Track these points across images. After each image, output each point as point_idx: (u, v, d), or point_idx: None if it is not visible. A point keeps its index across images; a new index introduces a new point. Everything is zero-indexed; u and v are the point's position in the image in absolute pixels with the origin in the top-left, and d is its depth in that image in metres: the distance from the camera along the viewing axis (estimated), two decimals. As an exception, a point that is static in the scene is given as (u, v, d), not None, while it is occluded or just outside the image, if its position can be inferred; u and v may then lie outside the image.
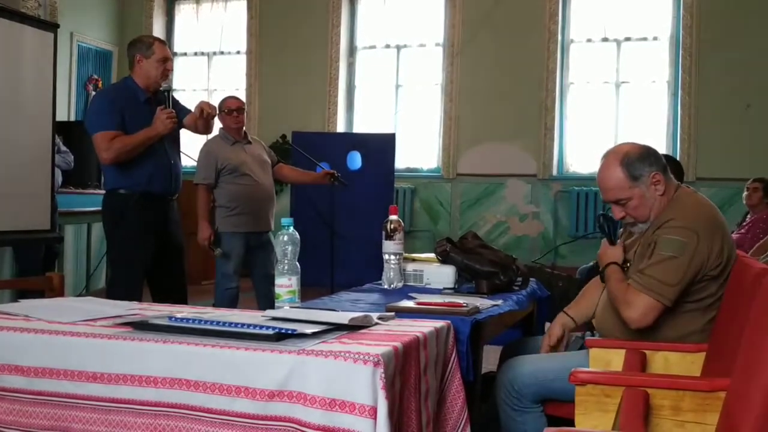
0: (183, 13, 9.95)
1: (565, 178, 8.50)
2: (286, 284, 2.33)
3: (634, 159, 2.41)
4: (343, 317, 1.95)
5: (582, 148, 8.53)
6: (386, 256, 2.95)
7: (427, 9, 8.98)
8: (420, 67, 9.06)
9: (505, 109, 8.48)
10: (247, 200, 4.67)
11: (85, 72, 9.04)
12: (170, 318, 1.95)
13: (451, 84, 8.74)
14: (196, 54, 9.83)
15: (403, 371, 1.78)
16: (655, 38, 8.39)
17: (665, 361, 2.35)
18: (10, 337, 1.91)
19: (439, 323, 2.08)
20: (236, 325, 1.83)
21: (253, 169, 4.74)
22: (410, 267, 3.05)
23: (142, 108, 3.80)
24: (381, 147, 8.06)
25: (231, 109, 4.74)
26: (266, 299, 4.72)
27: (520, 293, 2.89)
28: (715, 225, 2.35)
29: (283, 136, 8.71)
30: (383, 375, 1.60)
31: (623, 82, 8.49)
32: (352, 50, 9.30)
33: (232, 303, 4.60)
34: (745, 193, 6.23)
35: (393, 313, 2.19)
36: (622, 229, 2.74)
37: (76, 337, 1.86)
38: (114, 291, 3.70)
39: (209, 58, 9.81)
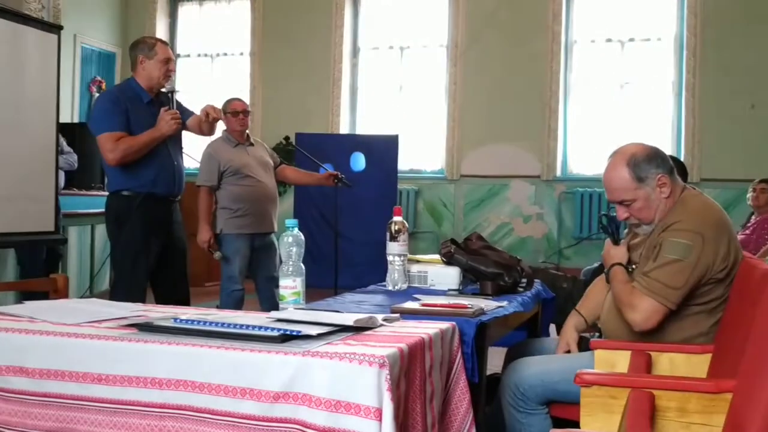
0: (186, 15, 9.97)
1: (569, 179, 8.49)
2: (290, 285, 2.33)
3: (641, 160, 2.40)
4: (347, 319, 1.95)
5: (586, 150, 8.52)
6: (390, 258, 2.94)
7: (431, 10, 8.99)
8: (423, 69, 9.06)
9: (509, 110, 8.48)
10: (251, 202, 4.67)
11: (88, 73, 9.05)
12: (175, 319, 1.94)
13: (455, 85, 8.74)
14: (199, 55, 9.84)
15: (408, 373, 1.77)
16: (658, 39, 8.38)
17: (671, 362, 2.34)
18: (16, 339, 1.91)
19: (444, 325, 2.07)
20: (241, 326, 1.83)
21: (256, 171, 4.74)
22: (414, 268, 3.04)
23: (146, 109, 3.81)
24: (384, 148, 8.06)
25: (237, 111, 4.75)
26: (269, 301, 4.72)
27: (525, 294, 2.89)
28: (721, 227, 2.35)
29: (287, 138, 8.72)
30: (388, 376, 1.60)
31: (627, 83, 8.47)
32: (355, 51, 9.30)
33: (237, 305, 4.60)
34: (751, 194, 6.21)
35: (398, 315, 2.19)
36: (627, 230, 2.74)
37: (81, 339, 1.86)
38: (117, 292, 3.71)
39: (212, 60, 9.82)
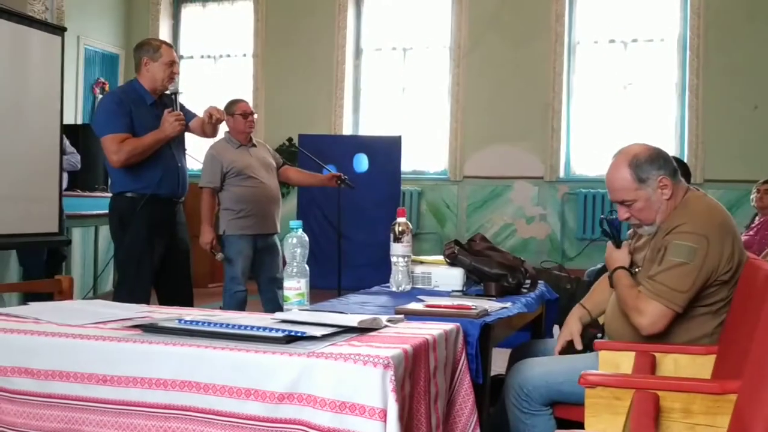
0: (189, 17, 9.98)
1: (572, 180, 8.49)
2: (294, 287, 2.33)
3: (643, 161, 2.40)
4: (352, 320, 1.95)
5: (589, 150, 8.52)
6: (394, 259, 2.94)
7: (434, 11, 8.99)
8: (426, 70, 9.07)
9: (512, 111, 8.48)
10: (253, 203, 4.68)
11: (91, 75, 9.07)
12: (179, 321, 1.95)
13: (458, 86, 8.74)
14: (202, 57, 9.85)
15: (412, 374, 1.77)
16: (662, 40, 8.37)
17: (675, 363, 2.34)
18: (21, 340, 1.92)
19: (448, 326, 2.08)
20: (246, 327, 1.83)
21: (259, 172, 4.75)
22: (418, 269, 3.04)
23: (149, 111, 3.81)
24: (387, 149, 8.07)
25: (247, 113, 4.76)
26: (272, 302, 4.73)
27: (529, 296, 2.88)
28: (725, 229, 2.34)
29: (290, 139, 8.73)
30: (393, 377, 1.60)
31: (630, 84, 8.47)
32: (358, 53, 9.31)
33: (240, 306, 4.60)
34: (755, 195, 6.20)
35: (402, 316, 2.19)
36: (630, 231, 2.73)
37: (86, 340, 1.86)
38: (121, 294, 3.71)
39: (215, 61, 9.83)
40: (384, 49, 9.25)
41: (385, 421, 1.57)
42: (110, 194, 3.91)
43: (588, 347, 2.65)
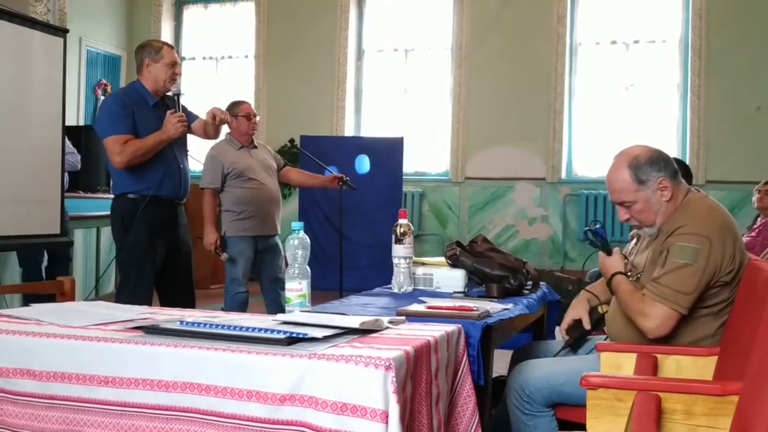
0: (191, 18, 9.99)
1: (573, 181, 8.48)
2: (296, 288, 2.33)
3: (643, 163, 2.41)
4: (353, 321, 1.95)
5: (591, 152, 8.52)
6: (396, 260, 2.94)
7: (435, 12, 8.99)
8: (428, 71, 9.07)
9: (514, 113, 8.48)
10: (254, 204, 4.68)
11: (93, 76, 9.08)
12: (181, 322, 1.95)
13: (460, 87, 8.74)
14: (204, 58, 9.86)
15: (414, 375, 1.77)
16: (663, 41, 8.37)
17: (677, 365, 2.34)
18: (23, 341, 1.92)
19: (450, 327, 2.08)
20: (247, 329, 1.83)
21: (259, 174, 4.75)
22: (420, 271, 3.04)
23: (151, 112, 3.82)
24: (389, 150, 8.07)
25: (250, 114, 4.77)
26: (274, 303, 4.73)
27: (531, 297, 2.88)
28: (726, 230, 2.34)
29: (292, 140, 8.73)
30: (394, 379, 1.60)
31: (632, 85, 8.47)
32: (360, 54, 9.31)
33: (241, 307, 4.60)
34: (756, 196, 6.20)
35: (403, 317, 2.19)
36: (632, 233, 2.73)
37: (88, 342, 1.87)
38: (123, 295, 3.72)
39: (217, 63, 9.84)
40: (386, 51, 9.25)
41: (386, 423, 1.57)
42: (112, 195, 3.92)
43: (596, 327, 2.66)
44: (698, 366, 2.31)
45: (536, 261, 7.84)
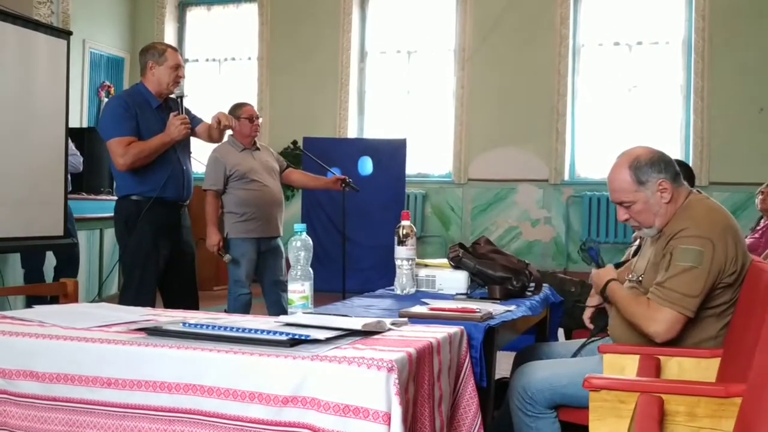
0: (194, 20, 10.00)
1: (576, 183, 8.48)
2: (299, 290, 2.33)
3: (643, 163, 2.41)
4: (356, 323, 1.95)
5: (594, 153, 8.51)
6: (399, 262, 2.95)
7: (438, 14, 8.99)
8: (431, 72, 9.07)
9: (517, 114, 8.47)
10: (256, 206, 4.68)
11: (97, 78, 9.09)
12: (184, 324, 1.95)
13: (462, 89, 8.74)
14: (207, 60, 9.87)
15: (416, 377, 1.77)
16: (667, 42, 8.36)
17: (679, 366, 2.33)
18: (25, 343, 1.92)
19: (453, 329, 2.07)
20: (250, 330, 1.83)
21: (262, 175, 4.76)
22: (423, 272, 3.04)
23: (154, 114, 3.82)
24: (392, 152, 8.07)
25: (253, 117, 4.78)
26: (276, 305, 4.74)
27: (534, 299, 2.88)
28: (728, 231, 2.34)
29: (294, 142, 8.74)
30: (397, 381, 1.60)
31: (635, 87, 8.46)
32: (363, 56, 9.32)
33: (244, 309, 4.61)
34: (759, 198, 6.19)
35: (406, 319, 2.19)
36: (634, 235, 2.74)
37: (91, 343, 1.87)
38: (127, 297, 3.72)
39: (220, 65, 9.85)
40: (389, 52, 9.25)
41: (389, 425, 1.57)
42: (115, 197, 3.92)
43: (601, 330, 2.67)
44: (701, 368, 2.31)
45: (539, 263, 7.84)
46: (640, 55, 8.44)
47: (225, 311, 4.48)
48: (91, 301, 5.61)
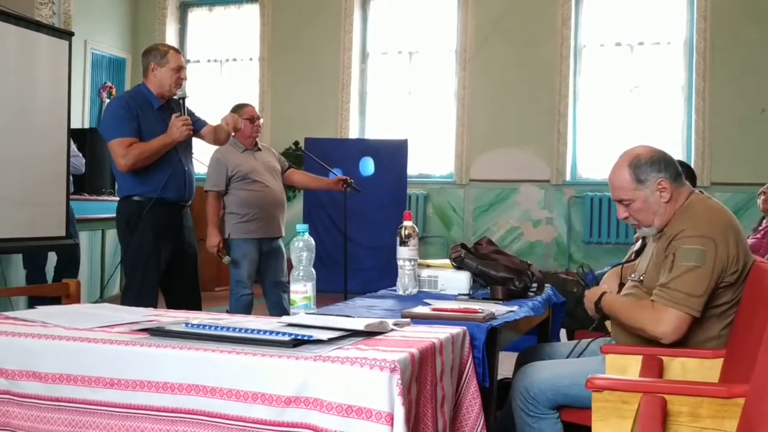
0: (195, 21, 10.00)
1: (578, 183, 8.47)
2: (301, 290, 2.33)
3: (643, 162, 2.42)
4: (358, 323, 1.95)
5: (595, 154, 8.50)
6: (401, 262, 2.95)
7: (439, 15, 8.99)
8: (432, 73, 9.07)
9: (518, 115, 8.47)
10: (258, 206, 4.69)
11: (98, 79, 9.10)
12: (186, 324, 1.95)
13: (464, 89, 8.74)
14: (208, 61, 9.88)
15: (419, 377, 1.77)
16: (668, 43, 8.35)
17: (682, 367, 2.33)
18: (28, 344, 1.92)
19: (455, 329, 2.07)
20: (252, 331, 1.84)
21: (264, 176, 4.76)
22: (425, 273, 3.04)
23: (156, 115, 3.83)
24: (393, 153, 8.07)
25: (254, 117, 4.78)
26: (277, 306, 4.74)
27: (536, 299, 2.88)
28: (729, 230, 2.34)
29: (296, 143, 8.73)
30: (399, 381, 1.60)
31: (636, 87, 8.45)
32: (364, 56, 9.32)
33: (246, 309, 4.61)
34: (761, 198, 6.19)
35: (408, 320, 2.19)
36: (636, 235, 2.74)
37: (93, 344, 1.87)
38: (129, 297, 3.73)
39: (221, 65, 9.85)
40: (390, 53, 9.25)
41: (391, 425, 1.57)
42: (117, 198, 3.93)
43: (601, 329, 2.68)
44: (704, 368, 2.31)
45: (541, 263, 7.83)
46: (641, 55, 8.44)
47: (227, 312, 4.48)
48: (94, 302, 5.61)
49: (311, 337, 1.79)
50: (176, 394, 1.74)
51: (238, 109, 4.79)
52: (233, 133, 4.13)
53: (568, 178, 8.49)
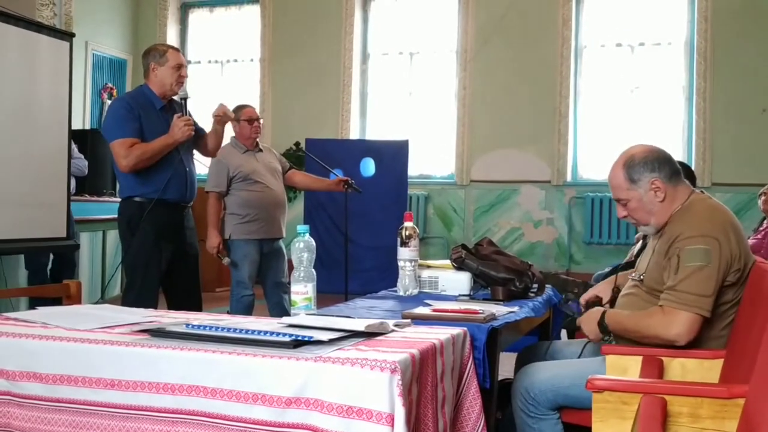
0: (196, 22, 10.01)
1: (579, 184, 8.48)
2: (302, 291, 2.33)
3: (636, 163, 2.44)
4: (359, 324, 1.95)
5: (596, 154, 8.50)
6: (401, 263, 2.95)
7: (440, 16, 8.99)
8: (433, 74, 9.07)
9: (519, 115, 8.47)
10: (259, 207, 4.69)
11: (99, 80, 9.10)
12: (187, 325, 1.95)
13: (465, 90, 8.74)
14: (209, 62, 9.88)
15: (419, 378, 1.77)
16: (669, 43, 8.36)
17: (682, 367, 2.33)
18: (29, 344, 1.92)
19: (456, 330, 2.07)
20: (253, 332, 1.84)
21: (265, 177, 4.76)
22: (425, 274, 3.04)
23: (158, 116, 3.83)
24: (394, 153, 8.08)
25: (253, 118, 4.79)
26: (278, 307, 4.74)
27: (536, 300, 2.88)
28: (730, 229, 2.33)
29: (297, 144, 8.74)
30: (400, 382, 1.60)
31: (637, 88, 8.45)
32: (365, 57, 9.32)
33: (247, 310, 4.61)
34: (762, 199, 6.19)
35: (409, 320, 2.19)
36: (637, 235, 2.74)
37: (94, 345, 1.87)
38: (129, 298, 3.72)
39: (222, 66, 9.86)
40: (391, 54, 9.26)
41: (392, 426, 1.57)
42: (118, 199, 3.93)
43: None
44: (704, 368, 2.30)
45: (541, 264, 7.83)
46: (642, 56, 8.44)
47: (228, 313, 4.48)
48: (94, 303, 5.62)
49: (312, 338, 1.79)
50: (177, 394, 1.74)
51: (238, 110, 4.79)
52: (223, 126, 4.10)
53: (568, 178, 8.49)
